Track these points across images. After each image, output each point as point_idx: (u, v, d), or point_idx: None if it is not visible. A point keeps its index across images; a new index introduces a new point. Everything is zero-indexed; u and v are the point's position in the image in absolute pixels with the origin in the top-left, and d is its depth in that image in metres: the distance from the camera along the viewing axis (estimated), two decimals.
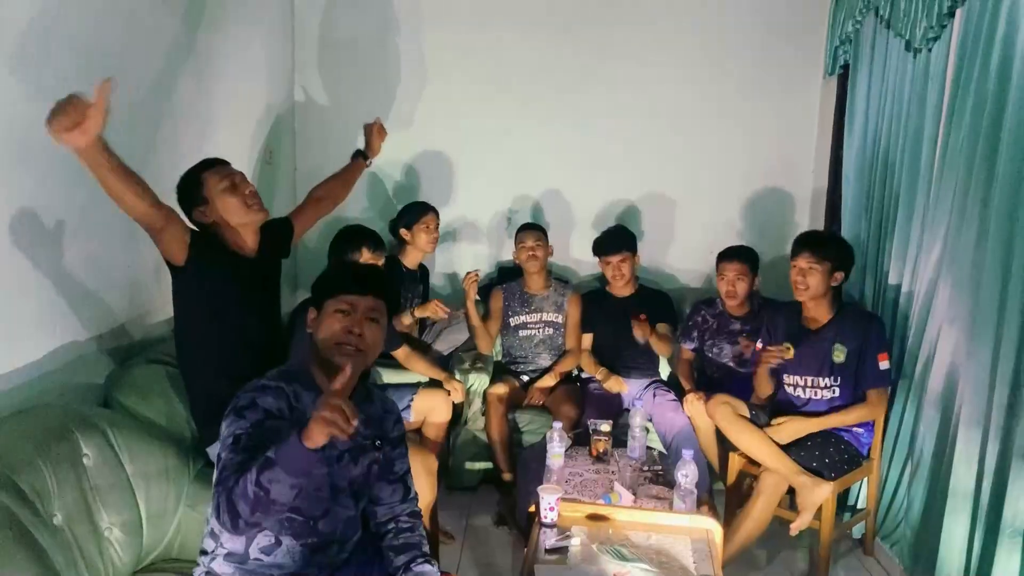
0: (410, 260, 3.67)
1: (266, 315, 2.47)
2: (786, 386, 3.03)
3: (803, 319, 3.01)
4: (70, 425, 1.87)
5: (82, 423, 1.91)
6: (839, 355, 2.88)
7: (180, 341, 2.35)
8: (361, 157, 3.12)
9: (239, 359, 2.29)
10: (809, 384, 2.96)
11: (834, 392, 2.91)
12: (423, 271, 3.85)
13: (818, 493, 2.69)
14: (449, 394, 3.21)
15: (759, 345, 3.11)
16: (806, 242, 2.95)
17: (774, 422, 2.95)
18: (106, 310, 2.37)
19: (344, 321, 1.76)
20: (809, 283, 2.87)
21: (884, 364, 2.83)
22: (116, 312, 2.42)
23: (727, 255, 3.48)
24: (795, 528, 2.74)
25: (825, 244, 2.95)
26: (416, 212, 3.62)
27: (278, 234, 2.61)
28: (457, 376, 3.41)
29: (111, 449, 1.95)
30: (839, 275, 2.91)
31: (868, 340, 2.85)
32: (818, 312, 2.95)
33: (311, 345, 1.81)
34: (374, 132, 3.13)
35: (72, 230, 2.15)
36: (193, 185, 2.30)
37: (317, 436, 1.44)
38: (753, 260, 3.48)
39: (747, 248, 3.54)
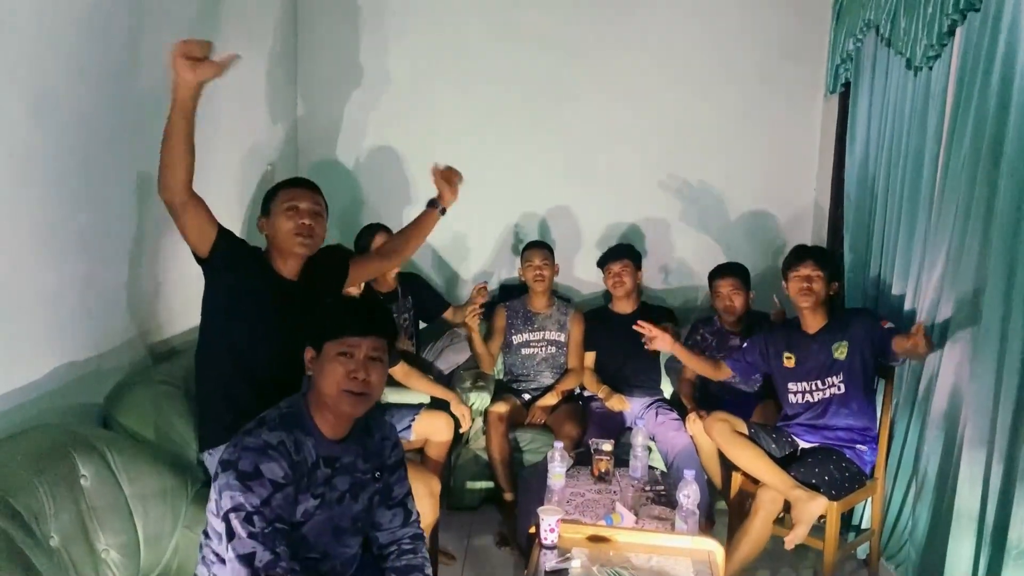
0: (383, 284, 3.57)
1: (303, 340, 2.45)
2: (791, 394, 3.03)
3: (801, 327, 3.05)
4: (68, 446, 1.86)
5: (80, 444, 1.90)
6: (840, 352, 2.92)
7: (202, 333, 2.33)
8: (432, 206, 2.77)
9: (262, 368, 2.26)
10: (815, 388, 2.97)
11: (839, 389, 2.92)
12: (409, 280, 3.78)
13: (813, 507, 2.67)
14: (452, 414, 3.18)
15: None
16: (807, 252, 3.05)
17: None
18: (105, 330, 2.36)
19: (347, 365, 1.70)
20: (814, 288, 2.94)
21: (889, 325, 2.85)
22: (115, 332, 2.42)
23: (719, 272, 3.57)
24: (790, 541, 2.71)
25: (823, 253, 3.09)
26: (366, 236, 3.47)
27: (325, 271, 2.52)
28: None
29: (109, 470, 1.94)
30: (835, 284, 3.03)
31: (864, 323, 2.91)
32: (815, 321, 3.00)
33: (311, 387, 1.76)
34: (438, 177, 2.73)
35: (72, 250, 2.15)
36: (269, 195, 2.36)
37: None
38: (744, 275, 3.54)
39: (737, 264, 3.62)
